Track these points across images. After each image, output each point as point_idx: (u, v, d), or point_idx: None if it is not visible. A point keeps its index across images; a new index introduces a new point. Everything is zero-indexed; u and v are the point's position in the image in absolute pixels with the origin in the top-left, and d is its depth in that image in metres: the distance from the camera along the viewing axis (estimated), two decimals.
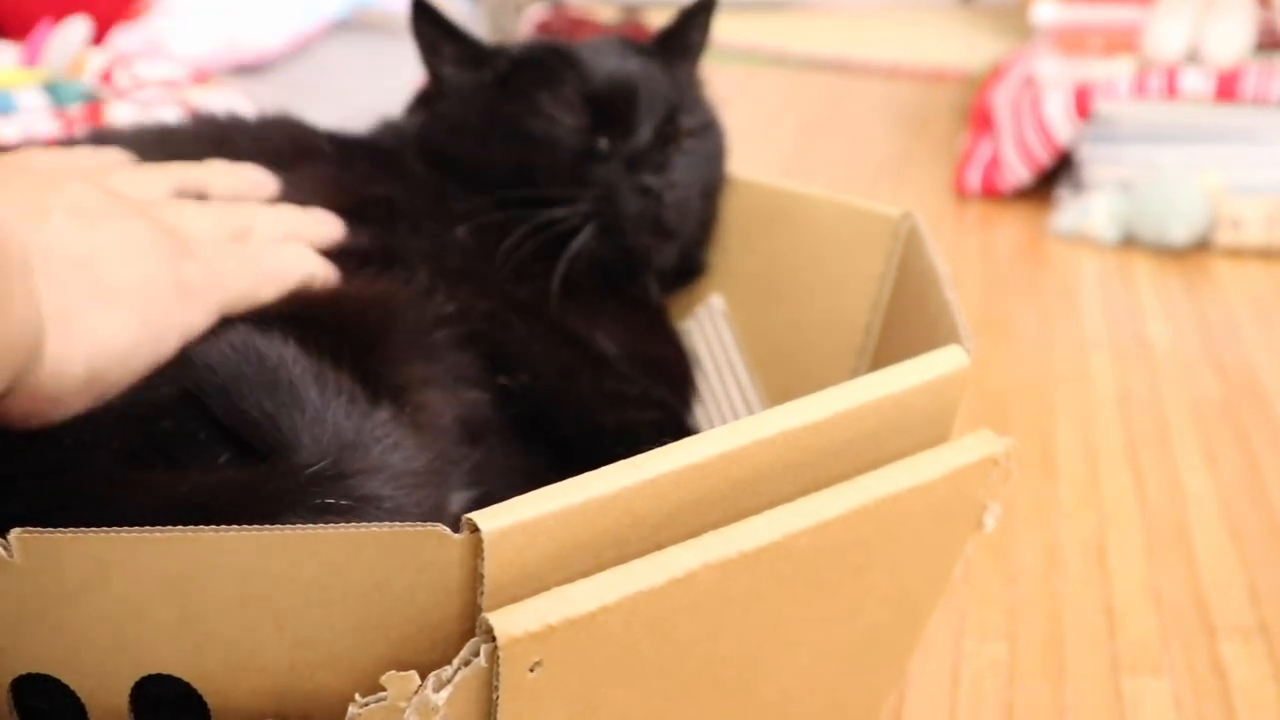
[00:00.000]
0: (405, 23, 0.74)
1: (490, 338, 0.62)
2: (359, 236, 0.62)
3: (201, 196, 0.59)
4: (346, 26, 1.50)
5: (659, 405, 0.67)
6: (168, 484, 0.45)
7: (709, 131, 0.76)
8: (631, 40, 0.77)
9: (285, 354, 0.48)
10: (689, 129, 0.74)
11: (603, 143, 0.71)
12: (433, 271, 0.62)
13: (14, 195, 0.47)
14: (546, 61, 0.73)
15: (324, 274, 0.57)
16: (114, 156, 0.61)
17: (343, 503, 0.44)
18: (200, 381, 0.48)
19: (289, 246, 0.57)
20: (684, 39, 0.78)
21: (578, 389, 0.65)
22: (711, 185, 0.76)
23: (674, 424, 0.67)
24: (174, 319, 0.49)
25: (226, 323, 0.50)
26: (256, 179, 0.62)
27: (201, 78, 1.10)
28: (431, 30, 0.73)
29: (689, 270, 0.77)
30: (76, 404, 0.46)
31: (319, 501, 0.44)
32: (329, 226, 0.61)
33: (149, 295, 0.48)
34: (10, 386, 0.43)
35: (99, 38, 1.22)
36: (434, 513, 0.47)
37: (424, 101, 0.75)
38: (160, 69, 1.07)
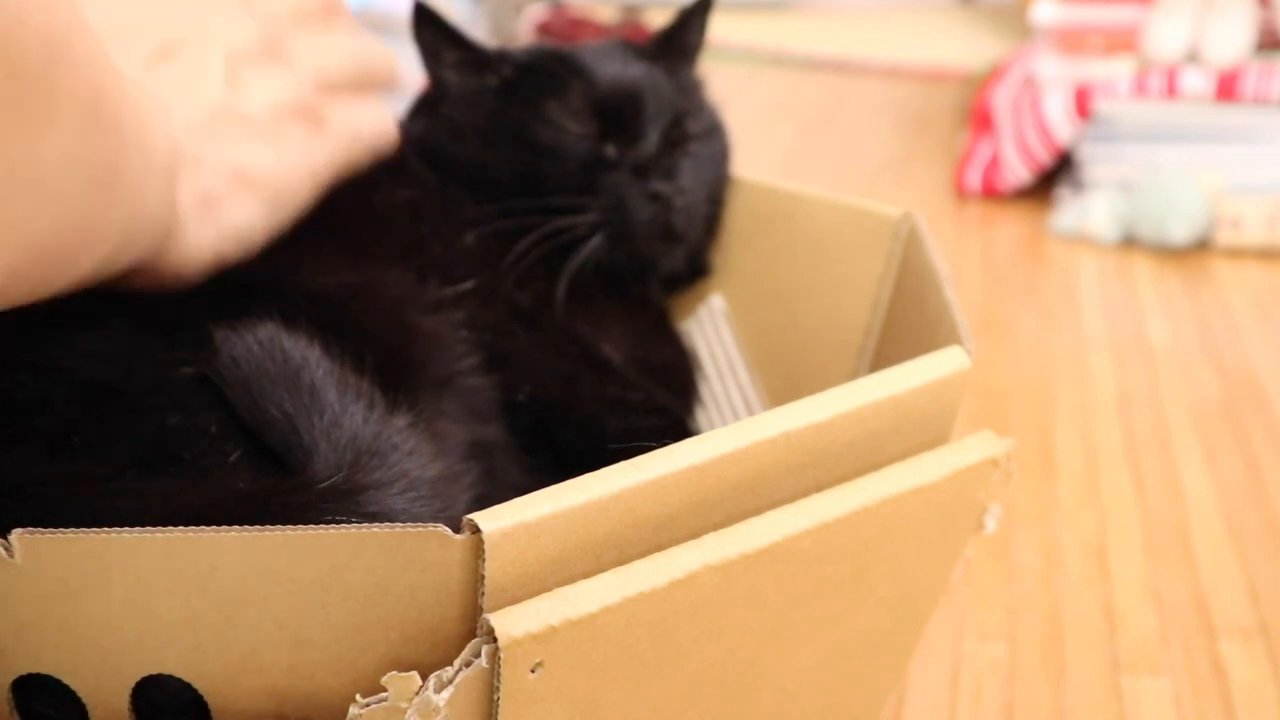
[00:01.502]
0: (405, 23, 0.73)
1: (494, 347, 0.62)
2: (391, 242, 0.62)
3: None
4: None
5: (661, 411, 0.67)
6: (175, 495, 0.45)
7: (714, 134, 0.76)
8: (632, 44, 0.77)
9: (310, 355, 0.48)
10: (694, 133, 0.74)
11: (610, 150, 0.71)
12: (442, 279, 0.62)
13: (184, 42, 0.47)
14: (551, 68, 0.73)
15: (391, 131, 0.57)
16: None
17: (353, 520, 0.44)
18: (223, 373, 0.48)
19: (368, 106, 0.56)
20: (683, 40, 0.78)
21: (580, 396, 0.65)
22: (717, 188, 0.76)
23: (676, 429, 0.67)
24: (297, 203, 0.51)
25: (256, 318, 0.50)
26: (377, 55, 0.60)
27: None
28: (433, 35, 0.73)
29: (693, 272, 0.77)
30: (197, 280, 0.48)
31: (330, 519, 0.44)
32: (387, 55, 0.59)
33: (278, 178, 0.49)
34: (140, 263, 0.44)
35: None
36: (447, 523, 0.48)
37: (425, 105, 0.75)
38: None
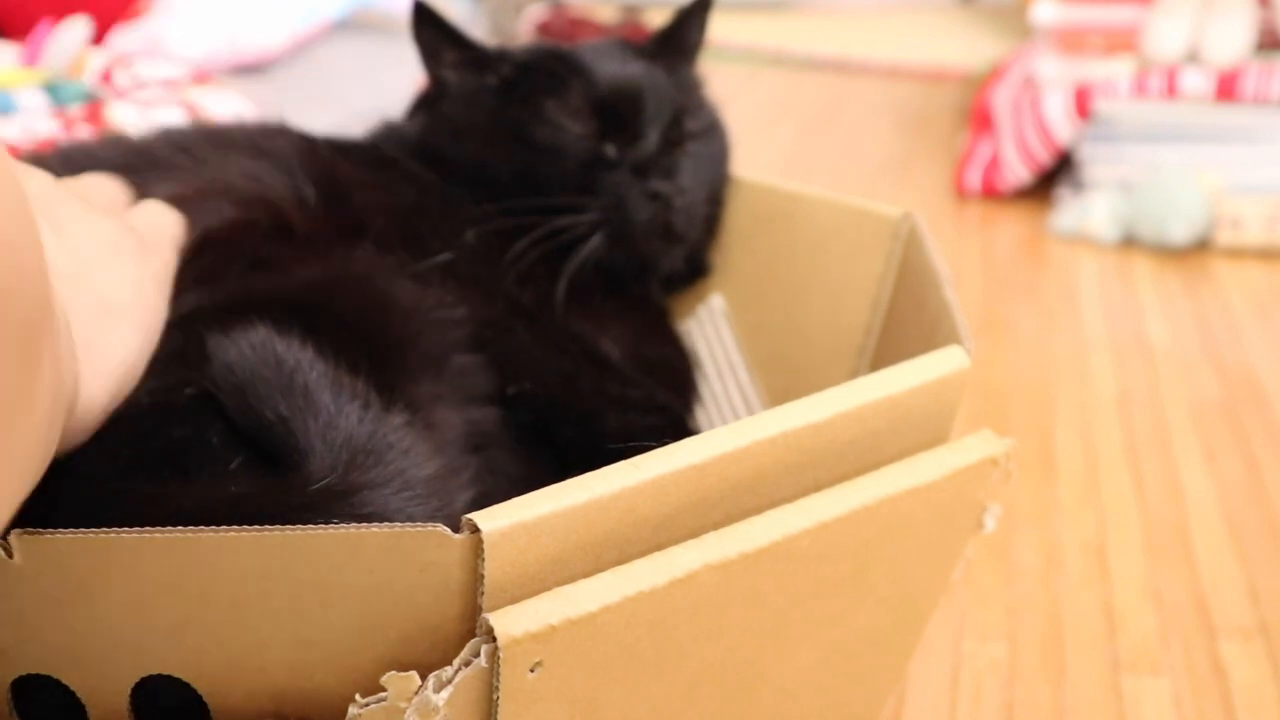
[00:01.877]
0: (405, 23, 0.73)
1: (494, 344, 0.62)
2: (371, 241, 0.62)
3: None
4: (346, 26, 1.50)
5: (661, 409, 0.67)
6: (172, 498, 0.45)
7: (713, 133, 0.76)
8: (632, 42, 0.77)
9: (302, 358, 0.48)
10: (694, 132, 0.74)
11: (610, 150, 0.71)
12: (442, 275, 0.62)
13: None
14: (550, 68, 0.72)
15: (180, 222, 0.57)
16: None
17: (348, 522, 0.44)
18: (218, 380, 0.48)
19: (149, 207, 0.56)
20: (682, 39, 0.78)
21: (579, 393, 0.65)
22: (717, 187, 0.76)
23: (675, 427, 0.67)
24: (159, 316, 0.50)
25: (247, 323, 0.50)
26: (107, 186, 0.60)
27: (201, 78, 1.10)
28: (432, 35, 0.73)
29: (693, 271, 0.77)
30: (98, 425, 0.46)
31: (324, 521, 0.44)
32: (114, 186, 0.59)
33: (140, 300, 0.48)
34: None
35: (99, 38, 1.22)
36: (446, 522, 0.47)
37: (424, 104, 0.75)
38: (160, 69, 1.07)
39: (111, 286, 0.47)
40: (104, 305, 0.47)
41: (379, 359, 0.52)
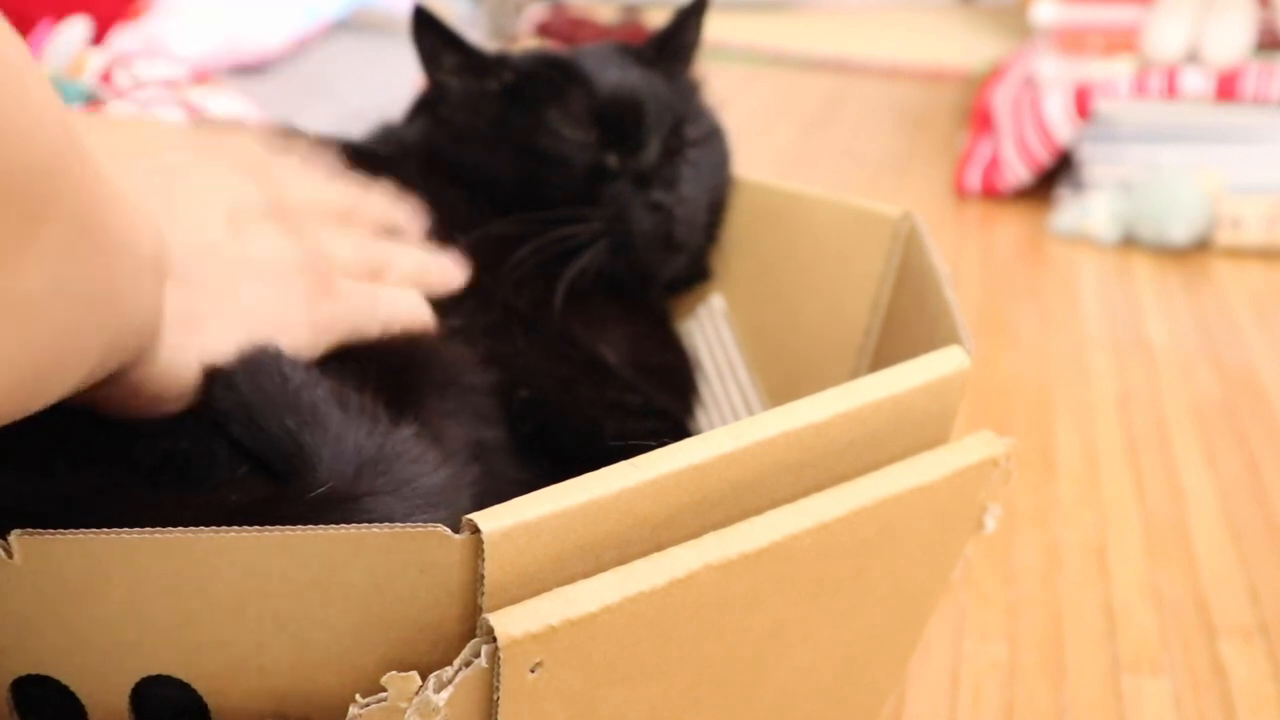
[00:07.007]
0: (405, 23, 0.73)
1: (493, 351, 0.62)
2: None
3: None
4: (346, 26, 1.50)
5: (660, 414, 0.67)
6: (172, 508, 0.45)
7: (713, 140, 0.76)
8: (630, 47, 0.77)
9: (308, 376, 0.48)
10: (694, 140, 0.74)
11: (611, 159, 0.71)
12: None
13: (187, 183, 0.48)
14: (551, 76, 0.72)
15: (427, 325, 0.57)
16: (292, 147, 0.60)
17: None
18: (220, 399, 0.47)
19: (409, 292, 0.57)
20: (680, 41, 0.78)
21: (578, 400, 0.65)
22: (718, 194, 0.76)
23: (675, 432, 0.66)
24: (294, 351, 0.50)
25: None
26: (412, 214, 0.61)
27: (201, 78, 1.10)
28: (432, 39, 0.72)
29: (693, 276, 0.77)
30: (174, 406, 0.46)
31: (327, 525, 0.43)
32: (454, 274, 0.60)
33: (277, 326, 0.49)
34: (116, 375, 0.43)
35: (99, 38, 1.22)
36: (446, 523, 0.47)
37: (424, 107, 0.75)
38: (160, 69, 1.07)
39: (253, 297, 0.48)
40: (234, 304, 0.47)
41: (394, 380, 0.52)
